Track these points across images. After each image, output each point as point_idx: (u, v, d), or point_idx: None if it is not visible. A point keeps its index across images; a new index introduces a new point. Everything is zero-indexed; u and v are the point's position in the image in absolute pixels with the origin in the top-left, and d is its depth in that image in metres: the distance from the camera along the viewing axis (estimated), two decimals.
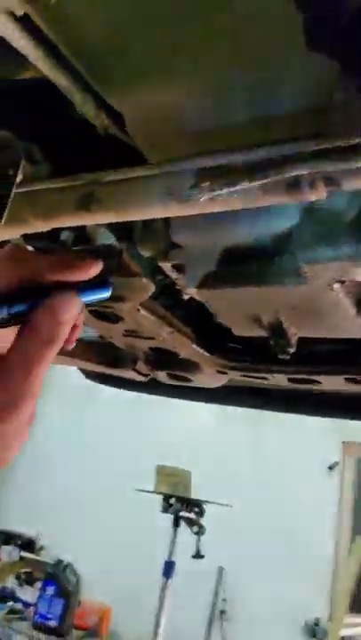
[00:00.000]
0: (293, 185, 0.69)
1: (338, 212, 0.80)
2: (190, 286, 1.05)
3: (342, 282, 0.87)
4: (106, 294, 0.50)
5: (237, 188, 0.69)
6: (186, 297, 1.17)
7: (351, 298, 0.95)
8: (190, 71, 0.71)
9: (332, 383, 1.38)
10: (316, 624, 4.66)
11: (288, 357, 1.15)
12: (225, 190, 0.68)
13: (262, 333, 1.14)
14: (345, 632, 3.38)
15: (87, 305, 0.49)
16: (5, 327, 0.45)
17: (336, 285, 0.89)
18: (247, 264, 0.94)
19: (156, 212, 0.79)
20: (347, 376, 1.32)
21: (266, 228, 0.89)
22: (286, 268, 0.89)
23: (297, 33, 0.63)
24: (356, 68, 0.66)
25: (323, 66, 0.66)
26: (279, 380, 1.44)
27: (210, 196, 0.71)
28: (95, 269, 0.48)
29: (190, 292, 1.11)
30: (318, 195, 0.69)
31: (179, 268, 1.09)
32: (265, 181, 0.68)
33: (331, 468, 5.03)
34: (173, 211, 0.76)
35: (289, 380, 1.44)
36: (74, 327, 0.48)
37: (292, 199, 0.71)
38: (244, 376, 1.50)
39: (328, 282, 0.87)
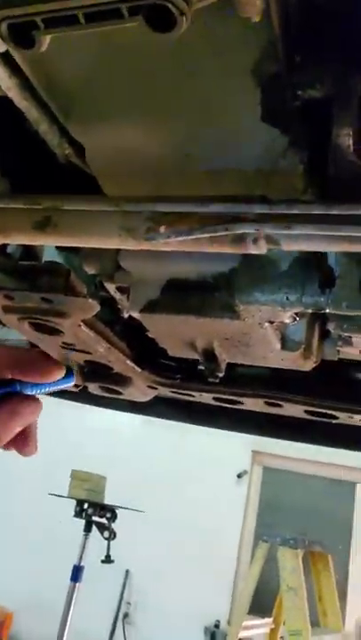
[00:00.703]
0: (238, 239, 0.77)
1: (273, 261, 0.90)
2: (133, 309, 1.11)
3: (272, 322, 0.97)
4: (70, 384, 0.52)
5: (190, 237, 0.76)
6: (125, 315, 1.23)
7: (278, 335, 1.06)
8: (150, 121, 0.78)
9: (254, 405, 1.49)
10: (217, 626, 4.83)
11: (217, 381, 1.24)
12: (180, 238, 0.75)
13: (195, 357, 1.22)
14: (243, 634, 3.55)
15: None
16: None
17: (266, 324, 0.99)
18: (189, 295, 1.02)
19: (111, 245, 0.84)
20: (267, 400, 1.43)
21: (209, 267, 0.97)
22: (224, 304, 0.97)
23: (255, 105, 0.71)
24: (300, 146, 0.76)
25: (273, 137, 0.75)
26: (206, 398, 1.53)
27: (165, 240, 0.77)
28: (58, 374, 0.50)
29: (132, 314, 1.17)
30: (259, 250, 0.78)
31: (123, 290, 1.15)
32: (214, 235, 0.76)
33: (239, 476, 5.25)
34: (129, 246, 0.82)
35: (214, 399, 1.53)
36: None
37: (236, 251, 0.80)
38: (173, 392, 1.58)
39: (259, 320, 0.97)
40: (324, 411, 1.39)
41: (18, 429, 0.48)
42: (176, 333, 1.16)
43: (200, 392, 1.53)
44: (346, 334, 0.98)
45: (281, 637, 3.72)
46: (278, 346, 1.08)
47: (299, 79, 0.65)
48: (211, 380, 1.24)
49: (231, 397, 1.50)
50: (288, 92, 0.66)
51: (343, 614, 4.08)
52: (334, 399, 1.38)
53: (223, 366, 1.22)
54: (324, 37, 0.63)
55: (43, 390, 0.50)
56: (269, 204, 0.74)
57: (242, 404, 1.52)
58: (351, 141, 0.71)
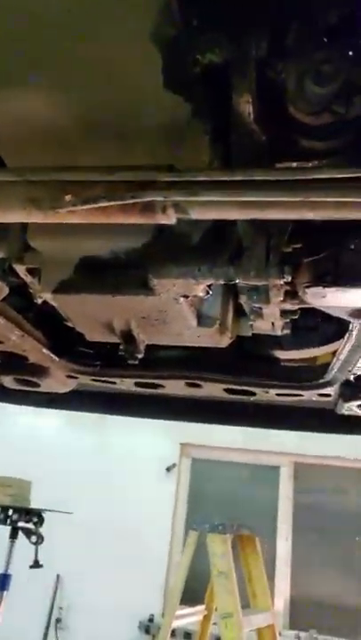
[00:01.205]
0: (147, 208, 0.77)
1: (185, 235, 0.91)
2: (45, 291, 1.08)
3: (186, 296, 0.98)
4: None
5: (96, 206, 0.75)
6: (39, 300, 1.19)
7: (193, 311, 1.07)
8: (50, 88, 0.76)
9: (175, 387, 1.50)
10: (151, 620, 4.83)
11: (136, 362, 1.23)
12: (86, 206, 0.74)
13: (114, 339, 1.21)
14: (175, 624, 3.58)
15: None
16: None
17: (181, 299, 0.99)
18: (103, 274, 1.00)
19: (16, 218, 0.81)
20: (187, 380, 1.45)
21: (121, 243, 0.96)
22: (138, 281, 0.97)
23: (157, 72, 0.72)
24: (203, 115, 0.77)
25: (178, 106, 0.76)
26: (128, 384, 1.52)
27: (71, 209, 0.75)
28: None
29: (45, 297, 1.13)
30: (168, 220, 0.78)
31: (33, 272, 1.11)
32: (122, 203, 0.75)
33: (168, 469, 5.28)
34: (35, 219, 0.79)
35: (136, 384, 1.53)
36: None
37: (145, 220, 0.80)
38: (94, 380, 1.56)
39: (174, 295, 0.98)
40: (241, 387, 1.43)
41: None
42: (92, 315, 1.14)
43: (121, 378, 1.52)
44: (256, 305, 1.01)
45: (214, 623, 3.79)
46: (194, 322, 1.09)
47: (197, 43, 0.65)
48: (131, 361, 1.24)
49: (152, 381, 1.51)
50: (188, 57, 0.67)
51: (272, 594, 4.23)
52: (250, 375, 1.42)
53: (142, 347, 1.21)
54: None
55: None
56: (177, 172, 0.74)
57: (163, 387, 1.53)
58: (251, 109, 0.73)
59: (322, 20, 0.70)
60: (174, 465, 5.34)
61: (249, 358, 1.48)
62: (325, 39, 0.71)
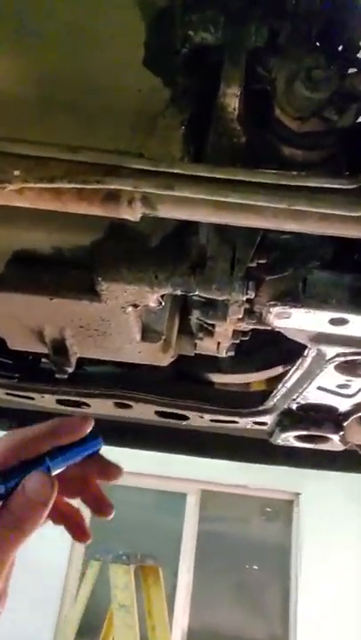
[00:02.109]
0: (111, 197, 0.67)
1: (143, 235, 0.81)
2: None
3: (136, 306, 0.88)
4: (96, 447, 0.55)
5: (52, 185, 0.64)
6: None
7: (139, 323, 0.97)
8: (7, 48, 0.65)
9: (102, 407, 1.37)
10: None
11: (65, 377, 1.10)
12: (38, 185, 0.62)
13: (41, 349, 1.07)
14: None
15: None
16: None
17: (130, 308, 0.89)
18: (41, 272, 0.88)
19: None
20: (117, 400, 1.33)
21: (67, 238, 0.84)
22: (83, 283, 0.85)
23: (138, 44, 0.63)
24: (182, 104, 0.69)
25: (155, 87, 0.67)
26: (48, 401, 1.37)
27: (19, 186, 0.64)
28: (88, 427, 0.54)
29: None
30: (133, 214, 0.69)
31: None
32: (83, 186, 0.65)
33: None
34: None
35: (58, 401, 1.38)
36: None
37: (106, 212, 0.69)
38: (9, 394, 1.39)
39: (123, 304, 0.87)
40: (175, 411, 1.34)
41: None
42: (20, 318, 1.00)
43: (42, 393, 1.36)
44: (209, 322, 0.93)
45: None
46: (138, 336, 0.99)
47: (192, 18, 0.58)
48: (59, 376, 1.10)
49: (77, 399, 1.37)
50: (178, 33, 0.60)
51: (170, 624, 4.10)
52: (185, 398, 1.34)
53: (73, 360, 1.09)
54: None
55: (73, 459, 0.53)
56: (151, 161, 0.65)
57: (88, 406, 1.40)
58: (237, 104, 0.66)
59: (317, 23, 0.66)
60: None
61: (183, 379, 1.40)
62: (318, 43, 0.67)
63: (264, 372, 1.29)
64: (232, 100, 0.65)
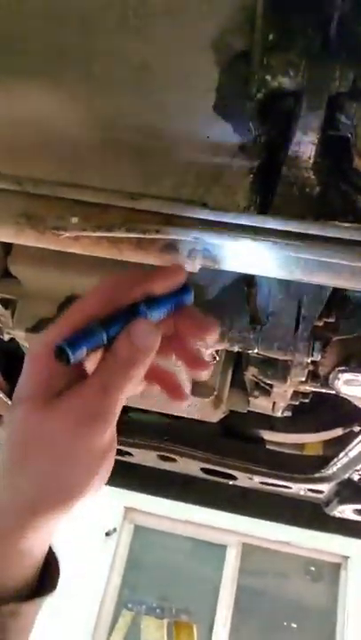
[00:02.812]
0: (170, 248, 0.62)
1: (199, 286, 0.76)
2: (18, 328, 0.90)
3: None
4: (188, 299, 0.52)
5: (110, 234, 0.60)
6: (6, 337, 1.01)
7: (190, 377, 0.91)
8: (70, 87, 0.62)
9: (145, 458, 1.30)
10: None
11: None
12: (98, 233, 0.58)
13: None
14: None
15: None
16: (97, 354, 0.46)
17: (180, 362, 0.83)
18: None
19: (4, 235, 0.64)
20: (160, 453, 1.26)
21: None
22: None
23: (209, 89, 0.59)
24: (251, 151, 0.64)
25: (224, 134, 0.63)
26: None
27: (75, 234, 0.60)
28: (182, 276, 0.50)
29: (15, 334, 0.95)
30: (192, 266, 0.63)
31: (7, 304, 0.93)
32: (142, 236, 0.61)
33: (108, 534, 4.89)
34: (26, 239, 0.63)
35: None
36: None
37: (164, 262, 0.65)
38: None
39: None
40: (222, 469, 1.25)
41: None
42: None
43: None
44: (268, 381, 0.85)
45: None
46: (189, 390, 0.92)
47: (271, 61, 0.53)
48: None
49: (120, 447, 1.31)
50: (254, 77, 0.55)
51: None
52: (234, 456, 1.25)
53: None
54: (307, 15, 0.53)
55: (168, 309, 0.50)
56: (216, 211, 0.60)
57: (131, 455, 1.33)
58: (313, 152, 0.61)
59: None
60: (114, 530, 4.96)
61: (232, 434, 1.31)
62: None
63: (322, 433, 1.19)
64: (308, 148, 0.60)
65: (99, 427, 0.44)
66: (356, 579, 4.53)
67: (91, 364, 0.47)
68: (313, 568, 4.91)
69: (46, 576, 0.47)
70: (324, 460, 1.09)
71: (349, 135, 0.60)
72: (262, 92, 0.56)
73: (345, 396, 0.78)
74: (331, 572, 4.79)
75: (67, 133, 0.67)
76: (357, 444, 0.92)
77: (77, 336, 0.45)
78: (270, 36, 0.53)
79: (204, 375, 0.50)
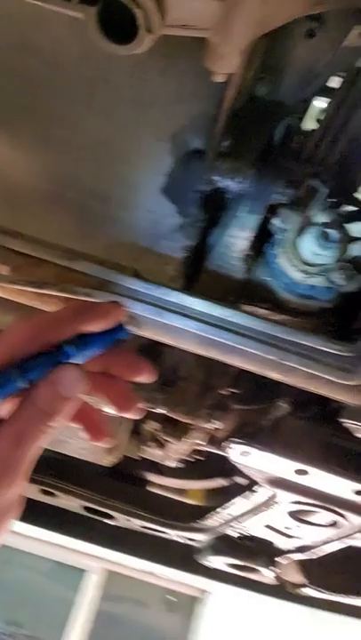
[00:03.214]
0: None
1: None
2: None
3: None
4: (122, 336, 0.47)
5: (41, 291, 0.59)
6: None
7: None
8: (30, 140, 0.62)
9: (27, 490, 1.26)
10: None
11: None
12: (28, 288, 0.58)
13: None
14: None
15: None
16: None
17: None
18: None
19: None
20: (43, 487, 1.23)
21: None
22: None
23: (161, 172, 0.62)
24: (189, 232, 0.68)
25: (166, 213, 0.66)
26: None
27: (6, 285, 0.59)
28: (120, 315, 0.47)
29: None
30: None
31: None
32: (71, 296, 0.61)
33: None
34: None
35: None
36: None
37: None
38: None
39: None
40: (102, 509, 1.24)
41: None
42: None
43: None
44: (167, 439, 0.88)
45: None
46: (87, 436, 0.92)
47: (222, 165, 0.57)
48: None
49: None
50: (204, 174, 0.59)
51: None
52: (116, 498, 1.25)
53: None
54: (260, 131, 0.58)
55: (99, 349, 0.45)
56: (144, 282, 0.62)
57: None
58: (246, 246, 0.66)
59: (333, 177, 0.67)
60: None
61: (118, 473, 1.31)
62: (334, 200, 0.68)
63: (205, 481, 1.24)
64: (241, 241, 0.64)
65: (6, 480, 0.40)
66: (211, 613, 4.65)
67: (6, 409, 0.43)
68: (173, 599, 4.96)
69: None
70: (204, 511, 1.13)
71: (280, 237, 0.66)
72: (209, 188, 0.60)
73: (237, 465, 0.82)
74: (188, 604, 4.88)
75: (15, 180, 0.66)
76: (237, 504, 0.97)
77: None
78: (225, 143, 0.57)
79: (132, 416, 0.48)
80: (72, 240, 0.65)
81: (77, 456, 1.03)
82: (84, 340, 0.44)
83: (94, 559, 4.59)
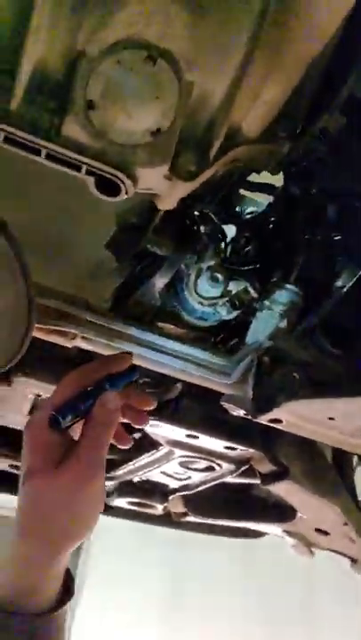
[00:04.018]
0: (58, 332, 0.88)
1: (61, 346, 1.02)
2: None
3: (39, 396, 1.08)
4: (135, 376, 0.71)
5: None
6: None
7: (31, 402, 1.15)
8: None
9: None
10: None
11: None
12: None
13: None
14: None
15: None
16: (79, 421, 0.63)
17: (31, 396, 1.08)
18: None
19: None
20: None
21: None
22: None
23: (105, 234, 0.87)
24: (124, 271, 0.94)
25: (108, 258, 0.91)
26: None
27: None
28: (130, 360, 0.71)
29: None
30: (69, 345, 0.90)
31: None
32: (41, 327, 0.85)
33: None
34: None
35: None
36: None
37: (48, 339, 0.90)
38: None
39: (29, 393, 1.06)
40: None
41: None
42: None
43: None
44: None
45: None
46: (27, 411, 1.17)
47: (154, 239, 0.84)
48: None
49: None
50: (138, 239, 0.85)
51: None
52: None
53: None
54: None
55: (122, 383, 0.68)
56: (90, 312, 0.88)
57: None
58: (163, 285, 0.94)
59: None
60: None
61: None
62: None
63: None
64: (161, 282, 0.92)
65: (97, 475, 0.60)
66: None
67: (75, 433, 0.63)
68: None
69: (68, 584, 0.63)
70: (115, 464, 1.44)
71: (186, 279, 0.96)
72: (141, 249, 0.87)
73: (149, 433, 1.13)
74: None
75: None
76: (143, 459, 1.29)
77: (62, 409, 0.62)
78: (156, 221, 0.83)
79: (146, 425, 0.73)
80: (43, 277, 0.88)
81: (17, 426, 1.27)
82: (112, 379, 0.67)
83: None
